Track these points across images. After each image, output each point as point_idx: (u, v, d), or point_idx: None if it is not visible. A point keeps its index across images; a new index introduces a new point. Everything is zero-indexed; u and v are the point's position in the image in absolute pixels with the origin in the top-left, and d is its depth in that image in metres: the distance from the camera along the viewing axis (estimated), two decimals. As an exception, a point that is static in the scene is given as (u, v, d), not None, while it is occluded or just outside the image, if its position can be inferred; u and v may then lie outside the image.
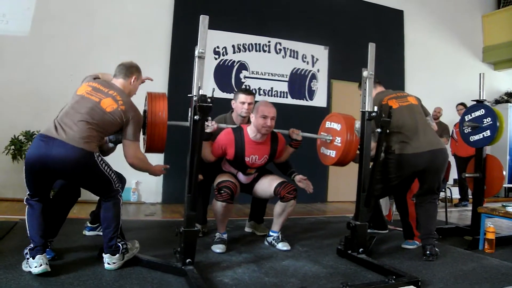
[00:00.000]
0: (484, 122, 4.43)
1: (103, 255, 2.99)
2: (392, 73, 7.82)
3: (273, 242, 3.88)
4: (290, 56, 7.33)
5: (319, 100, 7.48)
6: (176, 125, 3.43)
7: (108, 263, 2.96)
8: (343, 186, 7.14)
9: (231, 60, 6.92)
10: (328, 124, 4.09)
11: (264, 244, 3.96)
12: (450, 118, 7.51)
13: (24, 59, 5.95)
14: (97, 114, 2.89)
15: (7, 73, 5.85)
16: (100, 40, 6.27)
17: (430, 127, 3.92)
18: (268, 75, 7.14)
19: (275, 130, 3.86)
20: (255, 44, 7.08)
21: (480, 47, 9.44)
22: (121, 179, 3.21)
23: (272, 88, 7.15)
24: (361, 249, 3.49)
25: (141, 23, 6.51)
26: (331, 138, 3.99)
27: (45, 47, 6.04)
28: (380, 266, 3.23)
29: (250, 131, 3.77)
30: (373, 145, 3.69)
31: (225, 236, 3.79)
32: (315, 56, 7.49)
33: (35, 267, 2.70)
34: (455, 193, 7.37)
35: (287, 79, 7.29)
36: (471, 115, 4.58)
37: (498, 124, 4.31)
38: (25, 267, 2.78)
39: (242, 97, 4.06)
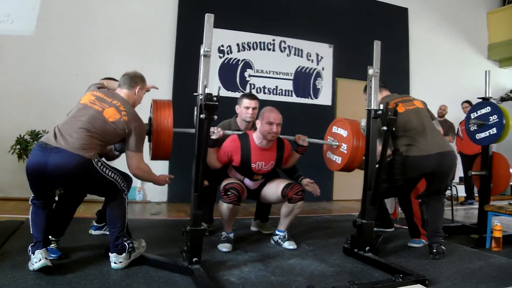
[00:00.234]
0: (490, 120, 4.40)
1: (110, 254, 2.99)
2: (396, 71, 7.80)
3: (279, 241, 3.87)
4: (294, 54, 7.31)
5: (324, 99, 7.47)
6: (182, 132, 3.45)
7: (115, 262, 2.96)
8: (349, 184, 7.12)
9: (235, 58, 6.92)
10: (334, 129, 4.08)
11: (270, 243, 3.96)
12: (455, 116, 7.49)
13: (28, 59, 5.96)
14: (99, 123, 2.88)
15: (12, 73, 5.88)
16: (104, 39, 6.29)
17: (437, 130, 3.90)
18: (273, 74, 7.13)
19: (281, 136, 3.85)
20: (260, 42, 7.07)
21: (485, 45, 9.39)
22: (127, 179, 3.20)
23: (277, 86, 7.14)
24: (367, 248, 3.48)
25: (145, 23, 6.52)
26: (337, 143, 3.98)
27: (49, 47, 6.05)
28: (387, 264, 3.22)
29: (256, 137, 3.76)
30: (379, 149, 3.67)
31: (231, 235, 3.79)
32: (320, 54, 7.47)
33: (35, 262, 2.72)
34: (461, 191, 7.35)
35: (291, 77, 7.28)
36: (477, 113, 4.55)
37: (504, 121, 4.27)
38: (30, 266, 2.79)
39: (246, 102, 4.05)
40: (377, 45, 3.55)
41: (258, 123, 3.71)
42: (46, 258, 2.74)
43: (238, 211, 3.78)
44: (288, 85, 7.25)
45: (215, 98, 2.84)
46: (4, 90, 5.81)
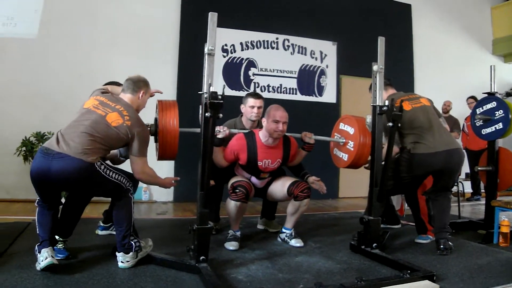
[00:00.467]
0: (496, 115, 4.37)
1: (117, 253, 3.00)
2: (400, 68, 7.78)
3: (286, 238, 3.87)
4: (298, 52, 7.31)
5: (329, 96, 7.47)
6: (188, 132, 3.45)
7: (122, 262, 2.97)
8: (354, 181, 7.11)
9: (239, 57, 6.92)
10: (341, 126, 4.07)
11: (277, 240, 3.95)
12: (460, 112, 7.46)
13: (32, 61, 5.98)
14: (101, 127, 2.88)
15: (16, 75, 5.90)
16: (107, 40, 6.30)
17: (444, 127, 3.89)
18: (277, 72, 7.13)
19: (288, 134, 3.84)
20: (263, 41, 7.07)
21: (490, 40, 9.33)
22: (132, 179, 3.20)
23: (281, 85, 7.13)
24: (374, 244, 3.47)
25: (148, 23, 6.52)
26: (344, 140, 3.97)
27: (52, 49, 6.07)
28: (394, 260, 3.21)
29: (262, 135, 3.75)
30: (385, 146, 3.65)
31: (238, 233, 3.78)
32: (324, 52, 7.46)
33: (42, 260, 2.73)
34: (467, 187, 7.32)
35: (296, 75, 7.27)
36: (482, 108, 4.53)
37: (510, 116, 4.25)
38: (37, 265, 2.80)
39: (251, 101, 4.05)
40: (381, 41, 3.54)
41: (264, 121, 3.71)
42: (52, 257, 2.75)
43: (245, 209, 3.78)
44: (293, 83, 7.24)
45: (220, 97, 2.84)
46: (9, 92, 5.83)
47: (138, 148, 3.01)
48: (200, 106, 3.02)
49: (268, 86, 7.04)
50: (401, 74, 7.62)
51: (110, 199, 3.17)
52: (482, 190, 6.13)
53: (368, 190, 3.64)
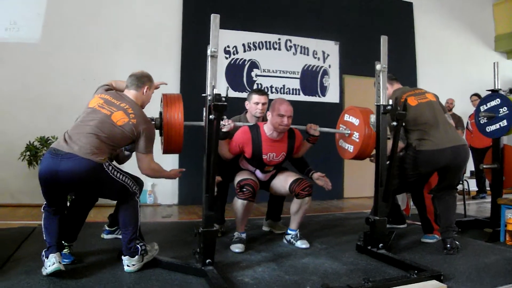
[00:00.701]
0: (500, 112, 4.35)
1: (122, 257, 2.99)
2: (403, 66, 7.75)
3: (292, 240, 3.86)
4: (301, 52, 7.30)
5: (332, 96, 7.45)
6: (192, 125, 3.44)
7: (128, 265, 2.96)
8: (359, 182, 7.11)
9: (242, 59, 6.91)
10: (346, 117, 4.08)
11: (282, 242, 3.94)
12: (463, 109, 7.44)
13: (35, 65, 5.99)
14: (107, 127, 2.88)
15: (19, 79, 5.91)
16: (110, 43, 6.31)
17: (450, 123, 3.86)
18: (280, 73, 7.12)
19: (292, 126, 3.84)
20: (266, 42, 7.06)
21: (492, 36, 9.29)
22: (138, 182, 3.20)
23: (284, 85, 7.12)
24: (381, 245, 3.46)
25: (150, 25, 6.53)
26: (349, 132, 3.98)
27: (55, 52, 6.07)
28: (401, 261, 3.20)
29: (267, 129, 3.75)
30: (389, 145, 3.63)
31: (243, 235, 3.77)
32: (326, 52, 7.45)
33: (49, 266, 2.73)
34: (472, 185, 7.30)
35: (298, 76, 7.26)
36: (486, 105, 4.50)
37: (514, 113, 4.24)
38: (43, 270, 2.79)
39: (255, 97, 4.05)
40: (384, 40, 3.53)
41: (269, 115, 3.71)
42: (59, 262, 2.75)
43: (252, 208, 3.77)
44: (295, 84, 7.23)
45: (223, 99, 2.84)
46: (12, 96, 5.84)
47: (144, 145, 3.02)
48: (204, 109, 3.01)
49: (271, 87, 7.03)
50: (403, 72, 7.56)
51: (114, 203, 3.17)
52: (488, 188, 6.11)
53: (374, 190, 3.63)
